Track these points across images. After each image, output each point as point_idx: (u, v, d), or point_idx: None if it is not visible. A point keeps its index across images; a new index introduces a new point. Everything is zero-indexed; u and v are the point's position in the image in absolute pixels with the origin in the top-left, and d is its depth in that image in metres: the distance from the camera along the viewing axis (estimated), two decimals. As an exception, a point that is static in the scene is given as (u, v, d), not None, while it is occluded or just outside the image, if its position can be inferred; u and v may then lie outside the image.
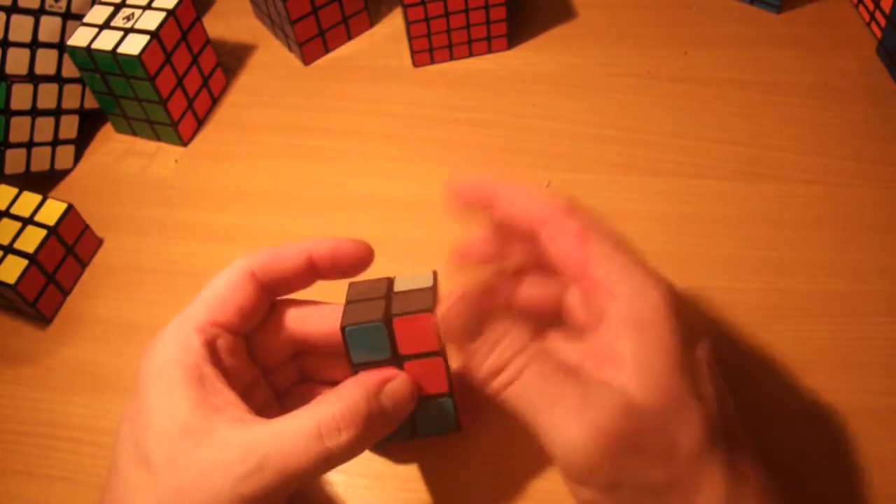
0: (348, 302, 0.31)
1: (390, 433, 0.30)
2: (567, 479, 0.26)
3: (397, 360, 0.30)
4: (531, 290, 0.32)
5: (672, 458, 0.25)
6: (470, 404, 0.36)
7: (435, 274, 0.32)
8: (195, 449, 0.27)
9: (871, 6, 0.50)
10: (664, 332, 0.26)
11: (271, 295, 0.32)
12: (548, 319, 0.32)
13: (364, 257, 0.32)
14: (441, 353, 0.29)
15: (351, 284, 0.32)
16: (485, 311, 0.28)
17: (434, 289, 0.31)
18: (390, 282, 0.32)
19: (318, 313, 0.32)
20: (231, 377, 0.30)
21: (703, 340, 0.27)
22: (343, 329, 0.29)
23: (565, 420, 0.25)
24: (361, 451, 0.29)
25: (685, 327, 0.27)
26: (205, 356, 0.29)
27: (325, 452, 0.27)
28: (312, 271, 0.32)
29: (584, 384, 0.25)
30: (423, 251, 0.42)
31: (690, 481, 0.25)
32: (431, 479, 0.35)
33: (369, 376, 0.29)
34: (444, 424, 0.31)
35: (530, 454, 0.34)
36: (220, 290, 0.30)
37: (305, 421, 0.27)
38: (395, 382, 0.29)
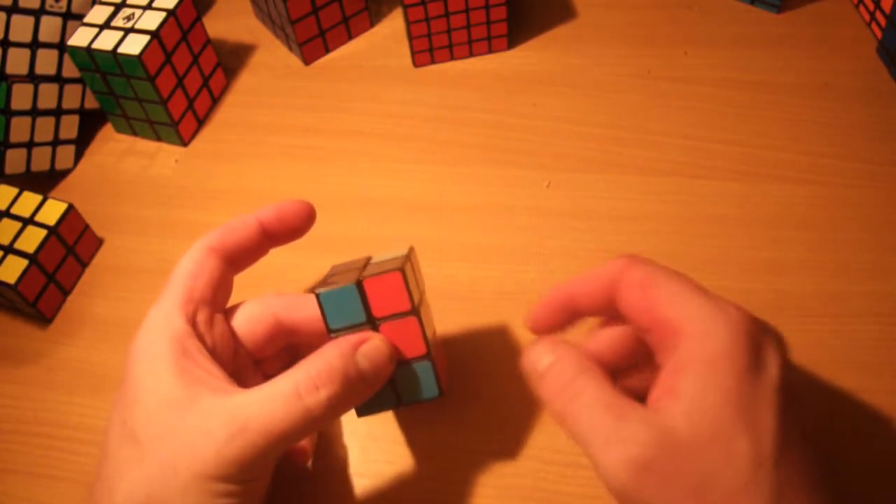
0: (327, 276, 0.32)
1: (375, 401, 0.31)
2: (612, 496, 0.27)
3: (373, 324, 0.30)
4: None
5: (707, 492, 0.25)
6: (450, 368, 0.36)
7: (411, 248, 0.33)
8: (179, 419, 0.27)
9: (871, 6, 0.50)
10: (724, 369, 0.26)
11: (233, 268, 0.33)
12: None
13: (307, 211, 0.34)
14: (414, 313, 0.30)
15: (332, 266, 0.33)
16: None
17: (407, 257, 0.31)
18: (368, 258, 0.33)
19: (305, 302, 0.33)
20: (215, 354, 0.30)
21: (772, 368, 0.27)
22: (317, 294, 0.30)
23: (602, 450, 0.26)
24: (343, 411, 0.29)
25: (757, 357, 0.26)
26: (187, 331, 0.30)
27: (306, 411, 0.27)
28: (265, 237, 0.34)
29: (620, 418, 0.26)
30: (422, 251, 0.42)
31: None
32: (429, 474, 0.35)
33: (346, 339, 0.30)
34: (426, 389, 0.31)
35: (523, 443, 0.35)
36: (187, 269, 0.32)
37: (284, 383, 0.28)
38: (370, 342, 0.30)
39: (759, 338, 0.27)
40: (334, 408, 0.28)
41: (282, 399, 0.27)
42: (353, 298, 0.30)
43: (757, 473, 0.25)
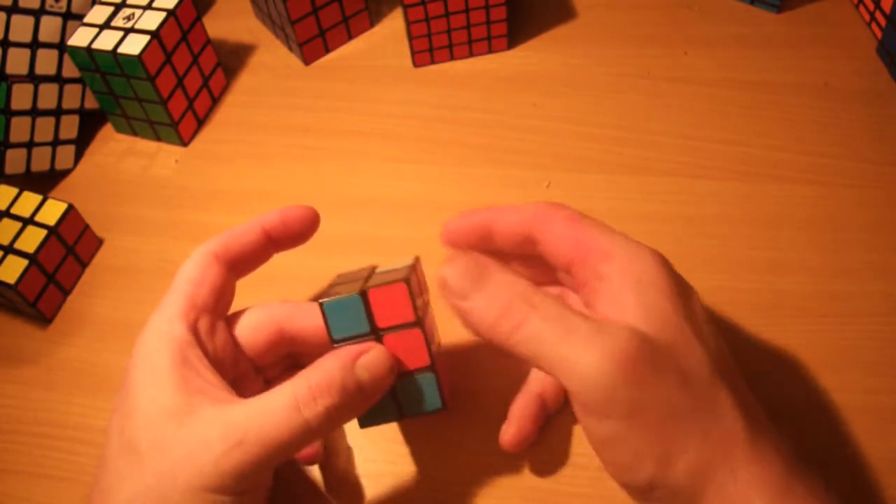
0: (331, 286, 0.32)
1: (377, 413, 0.30)
2: (587, 414, 0.27)
3: (376, 335, 0.30)
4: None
5: (689, 381, 0.26)
6: (455, 383, 0.36)
7: (417, 258, 0.33)
8: (178, 430, 0.27)
9: (871, 6, 0.50)
10: (663, 283, 0.28)
11: (235, 274, 0.33)
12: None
13: (311, 217, 0.34)
14: (419, 324, 0.30)
15: (338, 275, 0.33)
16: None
17: (413, 267, 0.31)
18: (373, 267, 0.33)
19: (309, 311, 0.33)
20: (216, 362, 0.30)
21: (695, 294, 0.29)
22: (321, 304, 0.29)
23: (582, 350, 0.26)
24: (341, 423, 0.29)
25: (680, 283, 0.29)
26: (189, 340, 0.30)
27: (304, 423, 0.27)
28: (268, 242, 0.34)
29: (595, 320, 0.27)
30: (422, 251, 0.42)
31: (709, 407, 0.26)
32: (428, 474, 0.35)
33: (346, 349, 0.29)
34: (429, 401, 0.31)
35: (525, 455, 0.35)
36: (191, 275, 0.32)
37: (283, 395, 0.27)
38: (370, 354, 0.29)
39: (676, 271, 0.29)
40: (332, 419, 0.28)
41: (280, 411, 0.27)
42: (356, 308, 0.29)
43: (714, 373, 0.27)
